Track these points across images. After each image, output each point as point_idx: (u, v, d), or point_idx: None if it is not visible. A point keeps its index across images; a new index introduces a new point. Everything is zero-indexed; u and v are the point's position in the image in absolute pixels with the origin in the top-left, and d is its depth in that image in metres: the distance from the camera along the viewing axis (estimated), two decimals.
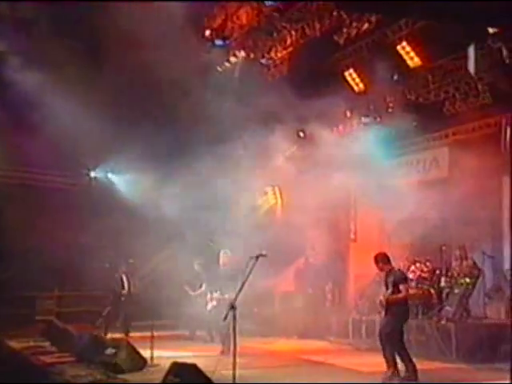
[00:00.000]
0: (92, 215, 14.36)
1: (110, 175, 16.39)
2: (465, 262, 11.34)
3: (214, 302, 11.84)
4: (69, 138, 12.66)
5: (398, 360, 8.19)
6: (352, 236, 15.86)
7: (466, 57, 10.65)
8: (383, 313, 8.34)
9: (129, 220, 14.27)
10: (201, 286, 13.31)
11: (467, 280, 10.69)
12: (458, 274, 11.07)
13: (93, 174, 16.36)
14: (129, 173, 15.74)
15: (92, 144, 13.56)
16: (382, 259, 8.46)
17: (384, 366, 8.48)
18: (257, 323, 14.30)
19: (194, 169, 13.78)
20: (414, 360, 8.96)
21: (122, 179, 16.11)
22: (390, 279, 8.18)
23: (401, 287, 8.14)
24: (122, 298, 13.05)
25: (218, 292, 11.58)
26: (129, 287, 13.18)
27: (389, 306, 8.15)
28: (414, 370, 7.97)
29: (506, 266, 11.00)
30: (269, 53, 13.98)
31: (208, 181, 14.28)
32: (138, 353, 8.87)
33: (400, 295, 8.15)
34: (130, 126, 13.04)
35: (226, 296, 10.26)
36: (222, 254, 11.73)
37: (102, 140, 12.98)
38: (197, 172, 13.84)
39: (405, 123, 13.38)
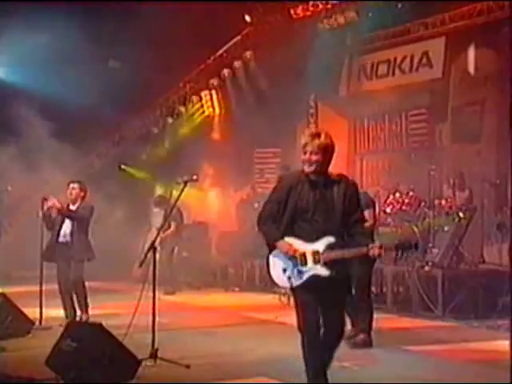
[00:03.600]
0: None
1: None
2: (459, 193, 11.56)
3: None
4: None
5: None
6: None
7: None
8: None
9: None
10: None
11: (461, 215, 10.90)
12: (450, 207, 11.28)
13: None
14: None
15: None
16: None
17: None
18: (187, 271, 14.39)
19: None
20: (389, 316, 9.19)
21: None
22: None
23: (366, 214, 8.01)
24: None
25: None
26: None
27: None
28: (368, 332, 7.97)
29: None
30: None
31: None
32: (20, 312, 8.74)
33: (366, 224, 8.04)
34: None
35: None
36: None
37: None
38: None
39: (386, 4, 13.25)
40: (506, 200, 11.25)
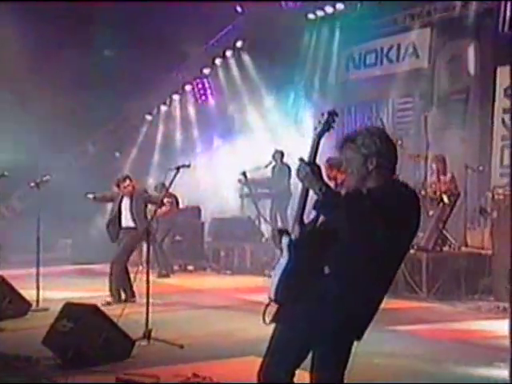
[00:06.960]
0: None
1: None
2: (443, 178, 11.56)
3: None
4: None
5: None
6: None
7: None
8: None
9: None
10: None
11: (445, 199, 10.92)
12: (434, 192, 11.30)
13: None
14: None
15: None
16: (338, 164, 8.26)
17: None
18: (180, 255, 14.38)
19: None
20: None
21: None
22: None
23: None
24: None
25: None
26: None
27: None
28: None
29: (494, 182, 11.31)
30: None
31: None
32: (18, 294, 8.72)
33: None
34: None
35: None
36: None
37: None
38: None
39: None
40: (489, 185, 11.27)
